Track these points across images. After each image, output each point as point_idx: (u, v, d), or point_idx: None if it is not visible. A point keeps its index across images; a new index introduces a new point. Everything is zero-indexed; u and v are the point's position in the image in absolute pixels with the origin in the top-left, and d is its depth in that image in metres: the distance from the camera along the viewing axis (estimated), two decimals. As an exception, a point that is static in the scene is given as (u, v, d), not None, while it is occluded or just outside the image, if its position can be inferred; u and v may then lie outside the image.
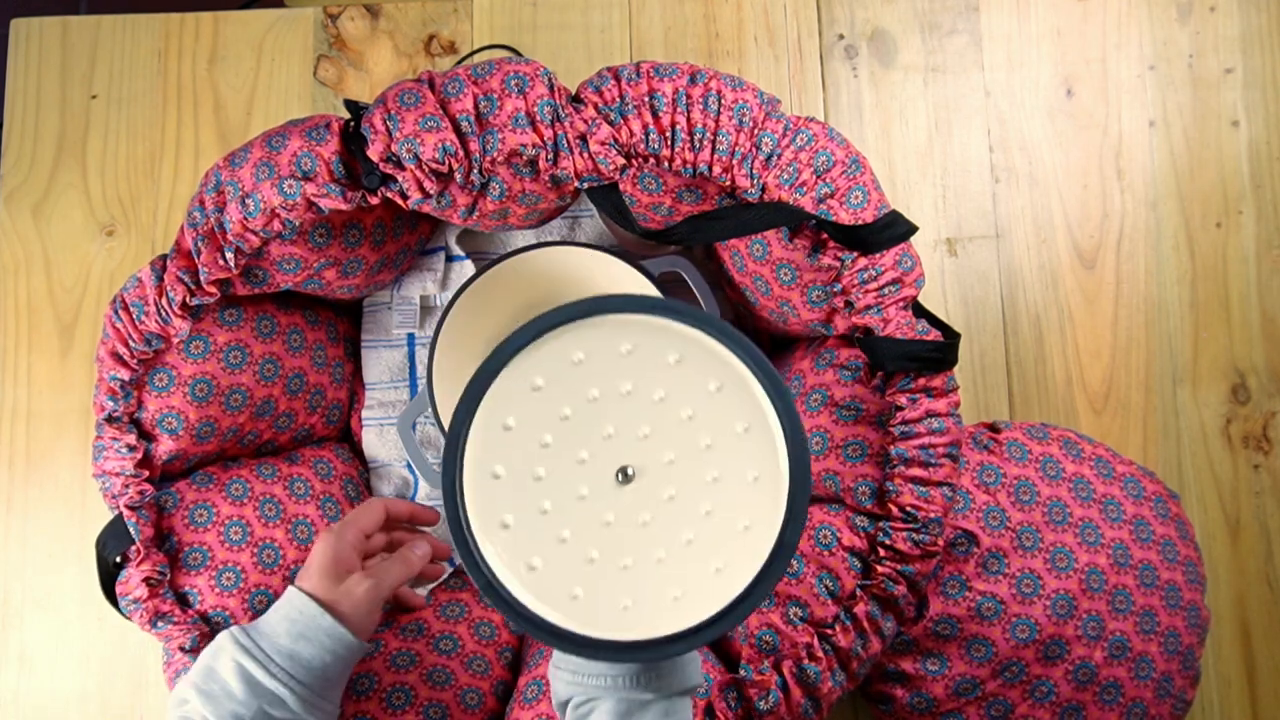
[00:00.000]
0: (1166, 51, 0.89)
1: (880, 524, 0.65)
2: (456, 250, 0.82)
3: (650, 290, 0.75)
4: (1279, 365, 0.85)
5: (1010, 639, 0.67)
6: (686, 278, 0.76)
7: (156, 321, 0.65)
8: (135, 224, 0.87)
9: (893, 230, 0.63)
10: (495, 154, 0.63)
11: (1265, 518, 0.84)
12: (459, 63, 0.89)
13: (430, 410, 0.77)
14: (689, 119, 0.64)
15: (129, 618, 0.66)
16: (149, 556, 0.66)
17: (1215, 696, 0.82)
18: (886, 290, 0.64)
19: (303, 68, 0.89)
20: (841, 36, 0.89)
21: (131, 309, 0.65)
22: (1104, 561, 0.69)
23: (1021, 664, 0.68)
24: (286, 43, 0.89)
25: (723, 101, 0.64)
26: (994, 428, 0.74)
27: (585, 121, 0.63)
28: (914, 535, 0.64)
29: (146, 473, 0.68)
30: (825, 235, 0.64)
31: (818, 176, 0.64)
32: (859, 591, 0.65)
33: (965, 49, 0.89)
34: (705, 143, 0.64)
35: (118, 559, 0.67)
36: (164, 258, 0.66)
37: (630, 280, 0.76)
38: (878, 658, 0.67)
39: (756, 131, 0.65)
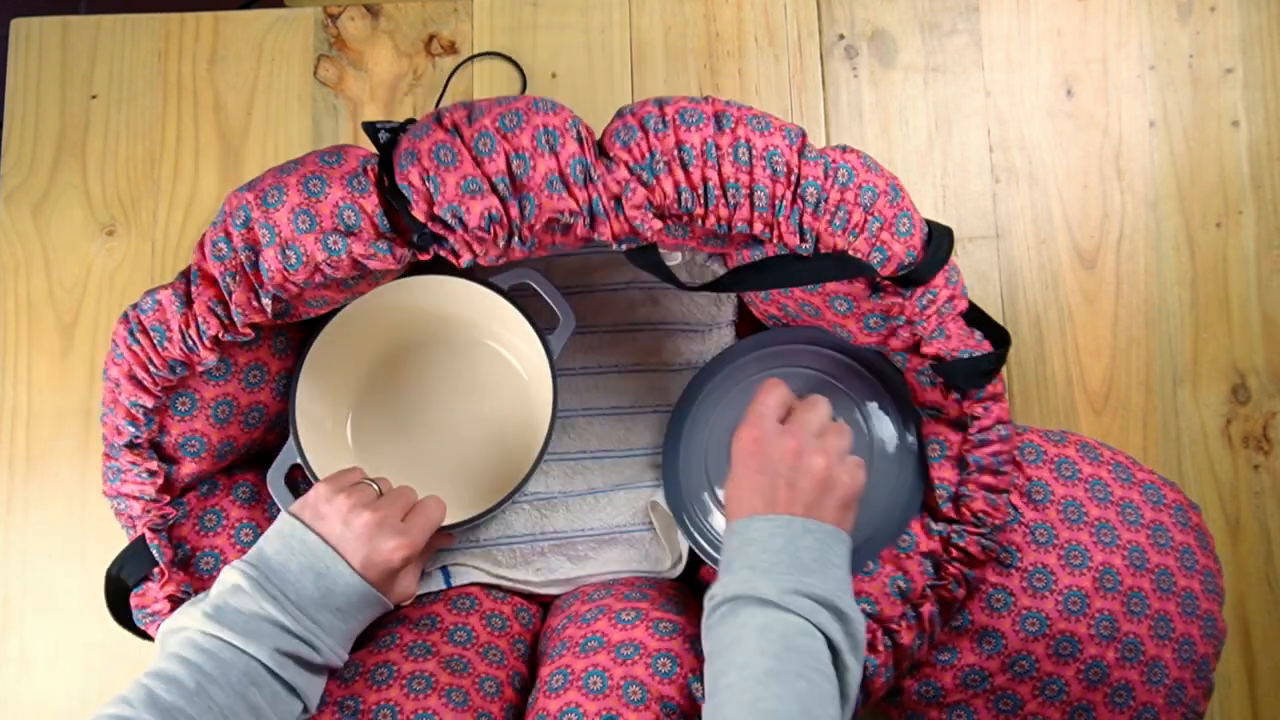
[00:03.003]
0: (1166, 51, 0.89)
1: (954, 527, 0.68)
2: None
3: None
4: (1279, 365, 0.86)
5: (1020, 631, 0.68)
6: (537, 287, 0.76)
7: (181, 350, 0.64)
8: (135, 224, 0.87)
9: (938, 254, 0.65)
10: (534, 220, 0.62)
11: (1265, 518, 0.84)
12: (454, 70, 0.89)
13: (300, 459, 0.74)
14: (720, 173, 0.63)
15: (144, 629, 0.66)
16: (172, 578, 0.66)
17: (1216, 696, 0.82)
18: (944, 309, 0.66)
19: (303, 68, 0.89)
20: (841, 36, 0.89)
21: (152, 333, 0.64)
22: (1119, 562, 0.69)
23: (1032, 659, 0.68)
24: (286, 43, 0.89)
25: (753, 151, 0.63)
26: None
27: (619, 183, 0.63)
28: (983, 540, 0.67)
29: (168, 496, 0.67)
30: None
31: (866, 213, 0.64)
32: (928, 591, 0.67)
33: (965, 49, 0.90)
34: (742, 199, 0.63)
35: (135, 582, 0.66)
36: (185, 280, 0.65)
37: (483, 300, 0.76)
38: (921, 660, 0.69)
39: (794, 179, 0.64)
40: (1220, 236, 0.87)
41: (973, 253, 0.87)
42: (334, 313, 0.74)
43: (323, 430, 0.77)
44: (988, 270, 0.87)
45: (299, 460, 0.73)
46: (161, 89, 0.89)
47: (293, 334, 0.74)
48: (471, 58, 0.89)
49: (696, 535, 0.77)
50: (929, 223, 0.66)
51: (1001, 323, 0.86)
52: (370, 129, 0.64)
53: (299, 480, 0.77)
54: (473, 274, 0.75)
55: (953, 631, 0.69)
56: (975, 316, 0.67)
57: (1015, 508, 0.70)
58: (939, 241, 0.65)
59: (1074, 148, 0.88)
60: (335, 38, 0.90)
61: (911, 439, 0.72)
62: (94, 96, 0.88)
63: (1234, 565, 0.83)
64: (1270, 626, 0.83)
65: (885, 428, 0.73)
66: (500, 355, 0.82)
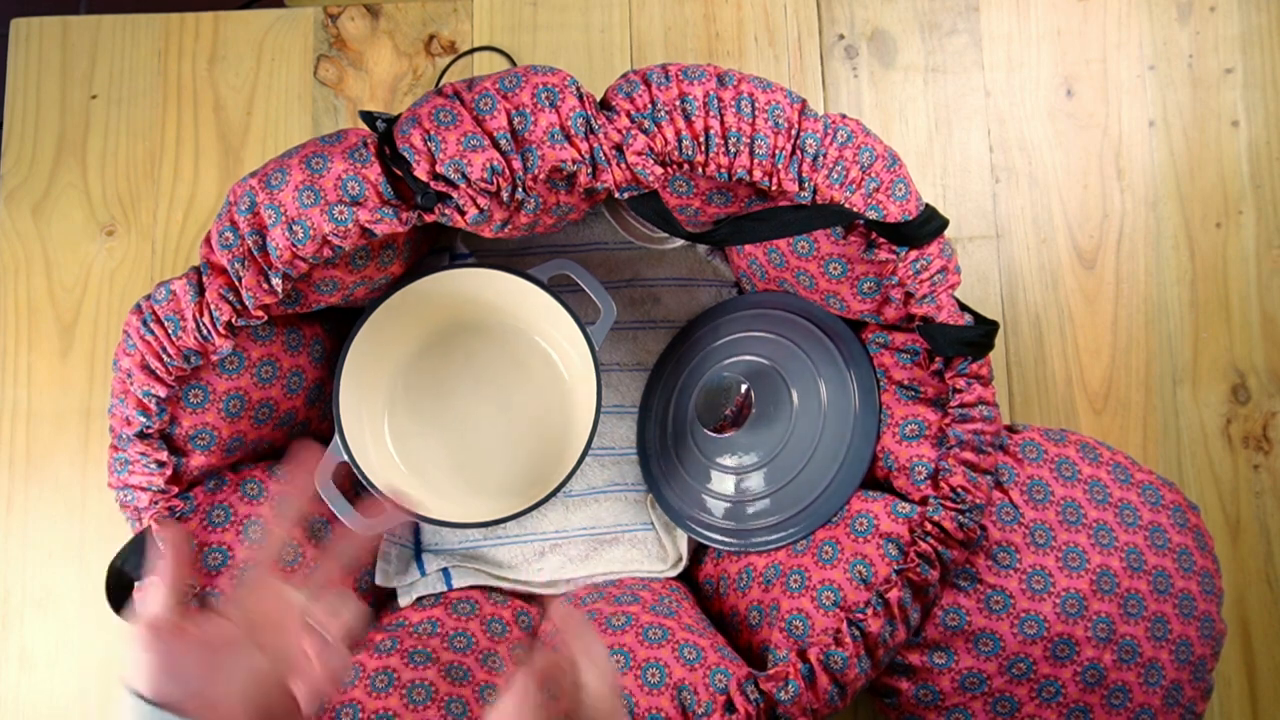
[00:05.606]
0: (1166, 51, 0.89)
1: (930, 500, 0.68)
2: (461, 248, 0.82)
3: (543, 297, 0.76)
4: (1279, 365, 0.86)
5: (1018, 634, 0.68)
6: (576, 278, 0.76)
7: (195, 339, 0.64)
8: (135, 224, 0.87)
9: (933, 224, 0.66)
10: (536, 171, 0.62)
11: (1265, 518, 0.84)
12: (450, 64, 0.89)
13: (345, 454, 0.73)
14: (723, 123, 0.64)
15: None
16: None
17: (1215, 696, 0.82)
18: (937, 279, 0.67)
19: (303, 68, 0.89)
20: (841, 36, 0.89)
21: (166, 323, 0.64)
22: (1116, 564, 0.69)
23: (1029, 661, 0.68)
24: (286, 43, 0.89)
25: (756, 104, 0.64)
26: (1012, 428, 0.75)
27: (620, 131, 0.63)
28: (960, 517, 0.67)
29: (176, 488, 0.67)
30: (875, 232, 0.66)
31: (864, 172, 0.65)
32: (894, 576, 0.67)
33: (965, 49, 0.90)
34: (742, 147, 0.64)
35: (139, 574, 0.66)
36: (198, 271, 0.65)
37: (522, 292, 0.76)
38: (901, 647, 0.68)
39: (794, 132, 0.65)
40: (1220, 236, 0.87)
41: (973, 253, 0.87)
42: (371, 309, 0.74)
43: (360, 424, 0.77)
44: (988, 270, 0.87)
45: (345, 458, 0.73)
46: (161, 89, 0.89)
47: (305, 331, 0.74)
48: (468, 52, 0.89)
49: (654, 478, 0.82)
50: (931, 206, 0.67)
51: (1001, 323, 0.86)
52: (368, 118, 0.64)
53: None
54: (510, 267, 0.75)
55: (950, 633, 0.69)
56: (966, 309, 0.69)
57: (1016, 507, 0.70)
58: (934, 214, 0.66)
59: (1074, 148, 0.88)
60: (335, 38, 0.90)
61: (864, 413, 0.73)
62: (94, 96, 0.88)
63: (1234, 565, 0.83)
64: (1270, 626, 0.83)
65: (839, 398, 0.74)
66: (539, 347, 0.82)
